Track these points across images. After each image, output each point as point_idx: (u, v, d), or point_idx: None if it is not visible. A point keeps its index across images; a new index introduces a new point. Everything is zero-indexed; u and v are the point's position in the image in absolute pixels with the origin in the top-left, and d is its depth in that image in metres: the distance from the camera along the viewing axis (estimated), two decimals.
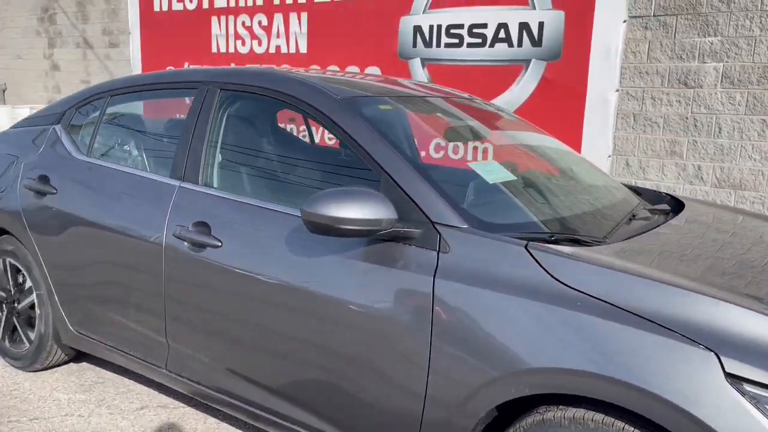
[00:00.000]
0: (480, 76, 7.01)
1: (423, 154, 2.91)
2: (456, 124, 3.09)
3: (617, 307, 1.65)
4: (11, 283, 3.21)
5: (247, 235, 2.29)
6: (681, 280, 1.73)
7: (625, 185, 3.23)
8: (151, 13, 10.31)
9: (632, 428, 1.61)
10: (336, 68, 8.23)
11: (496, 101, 6.95)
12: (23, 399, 2.97)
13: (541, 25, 6.54)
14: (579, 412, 1.71)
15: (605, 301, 1.66)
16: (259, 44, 8.98)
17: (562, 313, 1.69)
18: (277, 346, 2.20)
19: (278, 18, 8.70)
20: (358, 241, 2.03)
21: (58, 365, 3.28)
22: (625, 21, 6.08)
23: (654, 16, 5.94)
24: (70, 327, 2.96)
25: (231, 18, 9.22)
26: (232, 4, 9.17)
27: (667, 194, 3.16)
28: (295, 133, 2.80)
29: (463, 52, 7.11)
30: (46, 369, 3.23)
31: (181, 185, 2.56)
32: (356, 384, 2.02)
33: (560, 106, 6.52)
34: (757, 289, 1.79)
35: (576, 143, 6.53)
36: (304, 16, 8.43)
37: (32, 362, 3.19)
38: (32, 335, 3.16)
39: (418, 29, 7.42)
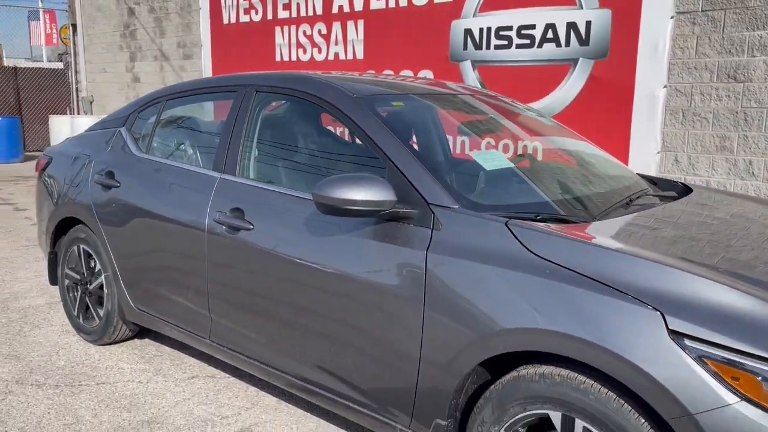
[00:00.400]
0: (529, 76, 7.13)
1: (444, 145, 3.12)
2: (473, 119, 3.28)
3: (581, 274, 1.83)
4: (84, 266, 3.65)
5: (274, 218, 2.59)
6: (638, 251, 1.89)
7: (642, 175, 3.33)
8: (220, 26, 10.94)
9: (591, 382, 1.79)
10: (390, 72, 8.52)
11: (545, 100, 7.05)
12: (93, 367, 3.39)
13: (588, 24, 6.61)
14: (548, 369, 1.89)
15: (571, 269, 1.84)
16: (319, 52, 9.39)
17: (534, 281, 1.88)
18: (298, 317, 2.47)
19: (336, 26, 9.09)
20: (365, 221, 2.28)
21: (124, 340, 3.69)
22: (672, 17, 6.07)
23: (702, 11, 5.92)
24: (132, 304, 3.35)
25: (293, 28, 9.69)
26: (294, 14, 9.64)
27: (680, 183, 3.25)
28: (325, 128, 3.07)
29: (513, 53, 7.24)
30: (113, 343, 3.65)
31: (222, 176, 2.89)
32: (363, 349, 2.27)
33: (608, 103, 6.56)
34: (724, 262, 1.92)
35: (624, 140, 6.55)
36: (360, 23, 8.77)
37: (101, 336, 3.62)
38: (101, 312, 3.59)
39: (468, 32, 7.62)
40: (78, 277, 3.70)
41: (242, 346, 2.81)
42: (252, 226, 2.64)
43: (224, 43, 10.97)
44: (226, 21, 10.79)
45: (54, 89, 15.80)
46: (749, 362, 1.57)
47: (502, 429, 1.96)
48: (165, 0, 12.01)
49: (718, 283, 1.74)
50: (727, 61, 5.76)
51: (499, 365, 2.04)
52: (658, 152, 6.31)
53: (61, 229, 3.78)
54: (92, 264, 3.60)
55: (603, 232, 2.08)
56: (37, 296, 4.50)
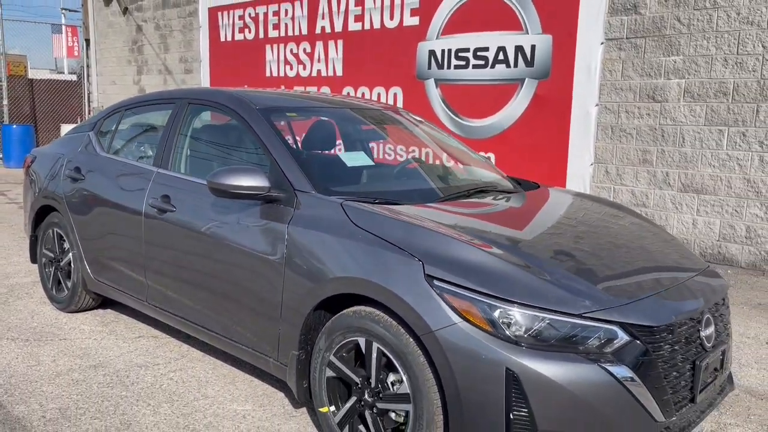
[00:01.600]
0: (484, 93, 7.83)
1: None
2: (350, 128, 3.86)
3: (379, 237, 2.51)
4: (57, 246, 4.38)
5: (190, 202, 3.30)
6: (420, 222, 2.57)
7: (510, 178, 3.96)
8: (218, 44, 11.77)
9: (383, 314, 2.45)
10: (366, 89, 9.25)
11: (497, 115, 7.73)
12: (59, 328, 4.11)
13: (533, 47, 7.30)
14: (359, 308, 2.56)
15: (374, 234, 2.52)
16: (304, 68, 10.17)
17: (353, 243, 2.56)
18: (202, 279, 3.17)
19: (319, 45, 9.86)
20: (252, 203, 2.98)
21: (88, 309, 4.41)
22: (602, 43, 6.75)
23: (626, 38, 6.59)
24: (92, 276, 4.07)
25: (281, 46, 10.48)
26: (282, 33, 10.42)
27: (536, 184, 3.87)
28: (234, 131, 3.68)
29: (469, 73, 7.95)
30: (79, 311, 4.36)
31: (158, 170, 3.61)
32: (246, 302, 2.96)
33: (550, 118, 7.22)
34: (490, 234, 2.60)
35: (563, 152, 7.21)
36: (340, 43, 9.53)
37: (69, 304, 4.33)
38: (69, 284, 4.30)
39: (432, 53, 8.34)
40: (52, 255, 4.44)
41: (168, 305, 3.52)
42: (174, 209, 3.36)
43: (221, 59, 11.79)
44: (222, 39, 11.61)
45: (67, 99, 16.74)
46: (470, 295, 2.25)
47: (331, 354, 2.64)
48: (169, 18, 12.88)
49: (463, 243, 2.42)
50: (647, 83, 6.42)
51: (334, 308, 2.71)
52: (592, 164, 6.96)
53: (41, 215, 4.53)
54: (63, 245, 4.34)
55: (414, 211, 2.77)
56: (24, 276, 5.26)
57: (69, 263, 4.28)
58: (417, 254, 2.40)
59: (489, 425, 2.19)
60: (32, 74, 31.11)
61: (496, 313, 2.22)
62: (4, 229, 7.18)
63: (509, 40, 7.49)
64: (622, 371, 2.19)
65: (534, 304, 2.22)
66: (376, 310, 2.49)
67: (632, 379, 2.20)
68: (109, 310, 4.48)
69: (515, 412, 2.16)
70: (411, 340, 2.36)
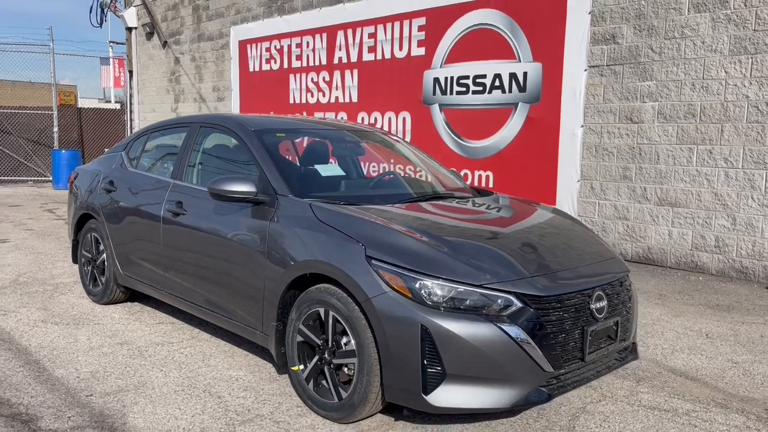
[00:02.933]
0: (482, 117, 8.50)
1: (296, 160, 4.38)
2: (334, 145, 4.57)
3: (335, 228, 3.19)
4: (94, 248, 5.17)
5: (197, 206, 4.03)
6: (366, 216, 3.24)
7: (472, 188, 4.60)
8: (247, 74, 12.73)
9: (336, 289, 3.11)
10: (378, 114, 10.00)
11: (494, 137, 8.39)
12: (94, 315, 4.88)
13: (525, 74, 7.97)
14: (321, 285, 3.23)
15: (332, 226, 3.21)
16: (323, 96, 11.00)
17: (317, 234, 3.25)
18: (206, 269, 3.90)
19: (337, 74, 10.69)
20: (244, 206, 3.69)
21: (119, 302, 5.18)
22: (585, 70, 7.38)
23: (606, 65, 7.20)
24: (121, 272, 4.84)
25: (303, 75, 11.35)
26: (305, 64, 11.29)
27: (490, 191, 4.52)
28: (234, 149, 4.39)
29: (469, 98, 8.64)
30: (110, 303, 5.15)
31: (174, 182, 4.37)
32: (238, 286, 3.67)
33: (541, 140, 7.85)
34: (424, 227, 3.26)
35: (553, 171, 7.81)
36: (355, 72, 10.34)
37: (102, 297, 5.11)
38: (103, 279, 5.08)
39: (436, 80, 9.07)
40: (89, 255, 5.25)
41: (180, 292, 4.25)
42: (186, 212, 4.12)
43: (249, 88, 12.74)
44: (251, 69, 12.56)
45: (111, 126, 17.96)
46: (398, 270, 2.91)
47: (300, 323, 3.32)
48: (204, 51, 13.92)
49: (396, 232, 3.10)
50: (626, 105, 7.02)
51: (303, 288, 3.39)
52: (578, 181, 7.54)
53: (81, 223, 5.35)
54: (99, 246, 5.14)
55: (369, 210, 3.45)
56: (67, 277, 6.09)
57: (103, 262, 5.07)
58: (361, 240, 3.09)
59: (411, 370, 2.84)
60: (81, 103, 32.95)
61: (417, 284, 2.88)
62: (52, 240, 8.10)
63: (504, 68, 8.17)
64: (514, 330, 2.82)
65: (446, 277, 2.88)
66: (332, 286, 3.17)
67: (522, 337, 2.82)
68: (135, 303, 5.25)
69: (428, 359, 2.80)
70: (356, 307, 3.03)
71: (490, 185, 8.48)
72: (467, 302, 2.85)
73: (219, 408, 3.35)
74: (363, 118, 10.20)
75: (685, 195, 6.67)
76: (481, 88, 8.49)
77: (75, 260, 5.50)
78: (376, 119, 10.03)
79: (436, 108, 9.10)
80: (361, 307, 2.99)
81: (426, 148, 9.19)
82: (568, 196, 7.65)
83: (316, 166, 4.08)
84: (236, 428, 3.13)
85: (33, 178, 16.08)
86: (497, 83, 8.28)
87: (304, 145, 4.38)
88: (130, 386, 3.61)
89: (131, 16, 16.47)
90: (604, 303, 3.16)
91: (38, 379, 3.68)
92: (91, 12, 16.98)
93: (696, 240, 6.63)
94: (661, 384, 3.76)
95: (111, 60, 32.40)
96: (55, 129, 15.51)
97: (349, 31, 10.33)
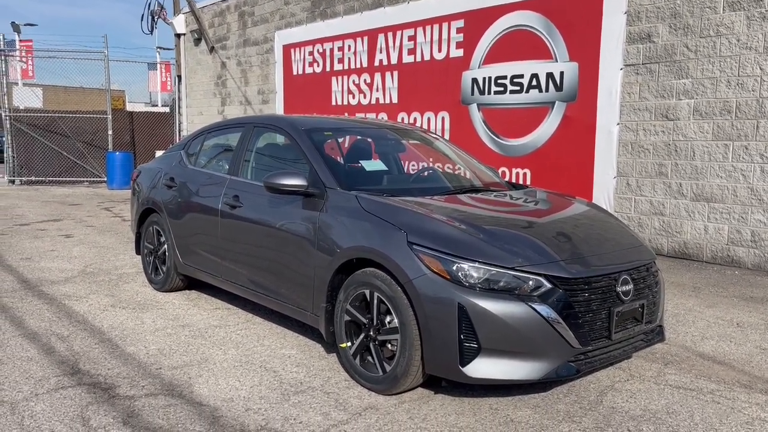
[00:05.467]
0: (519, 116, 8.71)
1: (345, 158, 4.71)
2: (377, 143, 4.88)
3: (380, 218, 3.49)
4: (156, 239, 5.60)
5: (253, 199, 4.39)
6: (409, 206, 3.52)
7: (507, 182, 4.86)
8: (291, 77, 13.17)
9: (381, 272, 3.41)
10: (418, 114, 10.30)
11: (531, 135, 8.59)
12: (156, 301, 5.31)
13: (562, 74, 8.16)
14: (366, 269, 3.53)
15: (377, 216, 3.51)
16: (364, 97, 11.35)
17: (363, 222, 3.55)
18: (262, 256, 4.24)
19: (377, 76, 11.02)
20: (296, 198, 4.02)
21: (178, 290, 5.60)
22: (621, 68, 7.53)
23: (642, 64, 7.35)
24: (181, 261, 5.24)
25: (345, 78, 11.72)
26: (346, 66, 11.67)
27: (524, 185, 4.78)
28: (286, 146, 4.73)
29: (507, 98, 8.86)
30: (171, 291, 5.57)
31: (231, 177, 4.74)
32: (291, 270, 3.99)
33: (578, 137, 8.03)
34: (462, 217, 3.52)
35: (590, 168, 7.98)
36: (395, 73, 10.66)
37: (163, 285, 5.54)
38: (164, 269, 5.50)
39: (474, 81, 9.31)
40: (152, 247, 5.68)
41: (236, 278, 4.62)
42: (242, 205, 4.49)
43: (293, 90, 13.18)
44: (295, 72, 12.99)
45: (161, 129, 18.68)
46: (437, 254, 3.20)
47: (347, 303, 3.63)
48: (249, 55, 14.43)
49: (435, 220, 3.39)
50: (661, 103, 7.16)
51: (350, 272, 3.70)
52: (614, 177, 7.70)
53: (143, 217, 5.79)
54: (160, 238, 5.57)
55: (409, 201, 3.75)
56: (129, 268, 6.56)
57: (164, 252, 5.49)
58: (403, 228, 3.39)
59: (449, 344, 3.13)
60: (129, 107, 34.15)
61: (454, 267, 3.16)
62: (111, 235, 8.63)
63: (541, 67, 8.37)
64: (544, 309, 3.09)
65: (480, 260, 3.16)
66: (377, 270, 3.47)
67: (552, 315, 3.08)
68: (193, 291, 5.66)
69: (464, 334, 3.09)
70: (398, 288, 3.32)
71: (528, 182, 8.68)
72: (500, 283, 3.12)
73: (274, 381, 3.69)
74: (403, 118, 10.50)
75: (720, 190, 6.77)
76: (518, 88, 8.71)
77: (138, 252, 5.94)
78: (415, 119, 10.33)
79: (474, 107, 9.34)
80: (403, 288, 3.29)
81: (464, 146, 9.45)
82: (604, 193, 7.81)
83: (361, 162, 4.40)
84: (290, 398, 3.46)
85: (88, 179, 16.86)
86: (534, 83, 8.49)
87: (347, 143, 4.70)
88: (194, 362, 3.99)
89: (180, 23, 17.13)
90: (630, 286, 3.39)
91: (112, 354, 4.09)
92: (142, 20, 17.81)
93: (732, 235, 6.73)
94: (688, 367, 3.96)
95: (158, 65, 33.50)
96: (110, 132, 16.24)
97: (390, 34, 10.65)
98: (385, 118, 10.89)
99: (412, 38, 10.23)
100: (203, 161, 5.32)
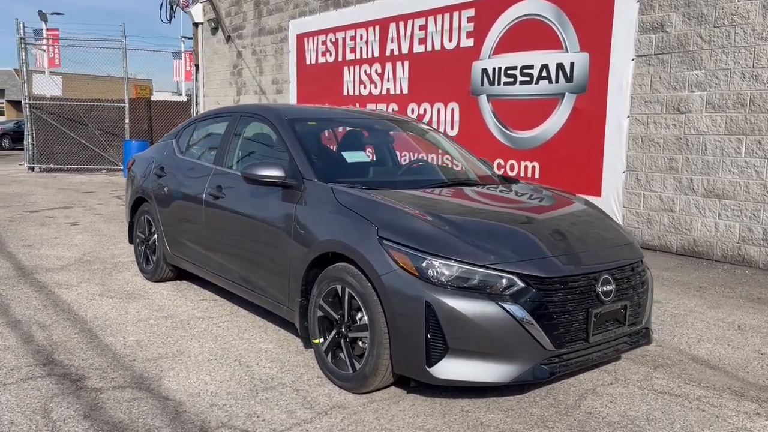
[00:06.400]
0: (529, 107, 8.50)
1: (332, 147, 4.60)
2: (364, 133, 4.76)
3: (353, 210, 3.38)
4: (146, 229, 5.57)
5: (234, 189, 4.31)
6: (381, 199, 3.40)
7: (500, 175, 4.70)
8: (304, 66, 13.08)
9: (351, 267, 3.29)
10: (428, 105, 10.13)
11: (540, 127, 8.38)
12: (145, 291, 5.28)
13: (572, 64, 7.92)
14: (338, 263, 3.42)
15: (349, 209, 3.39)
16: (375, 87, 11.21)
17: (337, 215, 3.44)
18: (243, 248, 4.16)
19: (388, 66, 10.87)
20: (275, 189, 3.92)
21: (169, 280, 5.57)
22: (633, 59, 7.29)
23: (654, 54, 7.09)
24: (170, 251, 5.19)
25: (357, 67, 11.59)
26: (358, 56, 11.53)
27: (520, 181, 4.61)
28: (270, 136, 4.64)
29: (516, 89, 8.66)
30: (161, 281, 5.55)
31: (216, 167, 4.66)
32: (269, 263, 3.91)
33: (587, 130, 7.80)
34: (435, 210, 3.38)
35: (599, 161, 7.75)
36: (406, 63, 10.49)
37: (154, 274, 5.50)
38: (154, 258, 5.46)
39: (484, 71, 9.12)
40: (143, 236, 5.64)
41: (220, 270, 4.55)
42: (224, 195, 4.41)
43: (306, 80, 13.09)
44: (308, 62, 12.90)
45: (179, 118, 18.70)
46: (406, 250, 3.08)
47: (320, 299, 3.53)
48: (264, 44, 14.37)
49: (406, 214, 3.26)
50: (673, 95, 6.92)
51: (325, 265, 3.59)
52: (624, 171, 7.48)
53: (136, 206, 5.75)
54: (151, 228, 5.52)
55: (388, 195, 3.63)
56: (126, 257, 6.54)
57: (154, 242, 5.45)
58: (374, 221, 3.27)
59: (415, 343, 3.01)
60: (156, 96, 34.42)
61: (423, 263, 3.04)
62: (117, 223, 8.66)
63: (551, 58, 8.15)
64: (515, 309, 2.95)
65: (451, 257, 3.03)
66: (348, 265, 3.36)
67: (523, 316, 2.95)
68: (183, 282, 5.61)
69: (432, 333, 2.97)
70: (368, 284, 3.21)
71: (536, 176, 8.49)
72: (470, 281, 2.99)
73: (246, 376, 3.61)
74: (413, 109, 10.35)
75: (732, 187, 6.52)
76: (528, 79, 8.50)
77: (131, 240, 5.91)
78: (425, 110, 10.17)
79: (483, 99, 9.15)
80: (373, 284, 3.17)
81: (473, 138, 9.29)
82: (613, 188, 7.59)
83: (343, 153, 4.29)
84: (259, 394, 3.38)
85: (107, 167, 17.00)
86: (544, 73, 8.27)
87: (331, 134, 4.59)
88: (169, 354, 3.93)
89: (198, 11, 17.14)
90: (611, 287, 3.23)
91: (89, 345, 4.04)
92: (161, 9, 17.81)
93: (743, 233, 6.48)
94: (678, 371, 3.79)
95: (183, 55, 33.66)
96: (126, 120, 16.34)
97: (401, 23, 10.49)
98: (396, 108, 10.75)
99: (423, 27, 10.06)
100: (192, 150, 5.26)
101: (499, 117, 8.95)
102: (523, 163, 8.66)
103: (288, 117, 4.31)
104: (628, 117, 7.36)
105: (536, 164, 8.49)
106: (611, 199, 7.54)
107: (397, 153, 4.87)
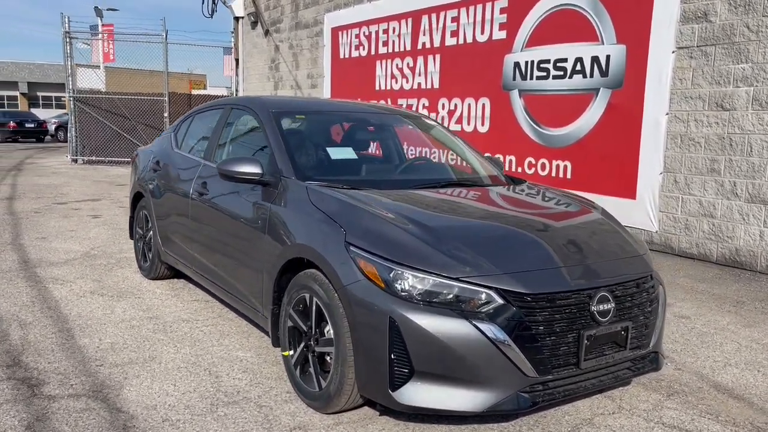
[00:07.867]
0: (561, 103, 8.00)
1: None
2: (356, 128, 4.42)
3: (322, 212, 3.06)
4: (144, 225, 5.39)
5: (217, 186, 4.05)
6: (354, 202, 3.05)
7: (506, 176, 4.29)
8: (338, 60, 12.82)
9: (319, 274, 2.98)
10: (458, 100, 9.73)
11: (574, 124, 7.87)
12: (138, 289, 5.10)
13: (608, 57, 7.40)
14: (307, 270, 3.11)
15: (321, 210, 3.07)
16: (407, 81, 10.85)
17: (309, 217, 3.13)
18: (224, 247, 3.91)
19: (420, 60, 10.50)
20: (254, 186, 3.64)
21: (165, 278, 5.37)
22: (673, 51, 6.73)
23: (697, 46, 6.52)
24: (163, 249, 5.00)
25: (389, 61, 11.25)
26: (390, 50, 11.20)
27: (526, 182, 4.18)
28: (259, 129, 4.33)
29: (549, 84, 8.16)
30: (157, 278, 5.35)
31: (204, 162, 4.42)
32: (246, 265, 3.63)
33: (622, 128, 7.27)
34: (409, 213, 3.01)
35: (635, 161, 7.21)
36: (437, 57, 10.10)
37: (149, 272, 5.32)
38: (150, 255, 5.28)
39: (516, 65, 8.65)
40: (141, 232, 5.46)
41: (205, 271, 4.31)
42: (208, 192, 4.16)
43: (340, 74, 12.84)
44: (341, 56, 12.64)
45: None
46: (374, 259, 2.74)
47: (290, 308, 3.23)
48: (300, 39, 14.19)
49: (379, 218, 2.92)
50: (716, 91, 6.36)
51: (299, 271, 3.29)
52: (661, 173, 6.95)
53: (136, 200, 5.58)
54: (148, 224, 5.34)
55: (365, 195, 3.29)
56: (131, 253, 6.40)
57: (150, 238, 5.26)
58: (343, 225, 2.94)
59: (378, 363, 2.68)
60: (210, 91, 34.87)
61: (391, 274, 2.70)
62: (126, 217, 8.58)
63: (586, 51, 7.63)
64: (491, 328, 2.58)
65: (422, 268, 2.68)
66: (317, 272, 3.05)
67: (500, 337, 2.58)
68: (180, 280, 5.41)
69: (396, 353, 2.63)
70: (335, 294, 2.90)
71: (568, 176, 8.00)
72: (442, 296, 2.64)
73: (212, 387, 3.35)
74: (443, 105, 9.96)
75: None
76: (561, 73, 8.00)
77: (131, 236, 5.75)
78: (455, 105, 9.77)
79: (515, 94, 8.69)
80: (339, 294, 2.86)
81: (504, 135, 8.84)
82: (648, 190, 7.05)
83: (328, 149, 3.98)
84: (218, 409, 3.11)
85: None
86: (578, 67, 7.77)
87: (319, 128, 4.28)
88: (140, 360, 3.70)
89: (238, 6, 17.10)
90: (609, 305, 2.82)
91: (62, 347, 3.86)
92: (203, 3, 17.84)
93: None
94: (695, 400, 3.34)
95: (232, 50, 34.02)
96: (166, 114, 16.45)
97: (433, 16, 10.10)
98: (426, 104, 10.38)
99: (456, 19, 9.65)
100: (186, 144, 5.05)
101: (530, 113, 8.47)
102: (554, 162, 8.17)
103: (274, 109, 4.02)
104: (667, 114, 6.80)
105: (568, 163, 8.00)
106: (646, 202, 7.01)
107: (394, 150, 4.53)
